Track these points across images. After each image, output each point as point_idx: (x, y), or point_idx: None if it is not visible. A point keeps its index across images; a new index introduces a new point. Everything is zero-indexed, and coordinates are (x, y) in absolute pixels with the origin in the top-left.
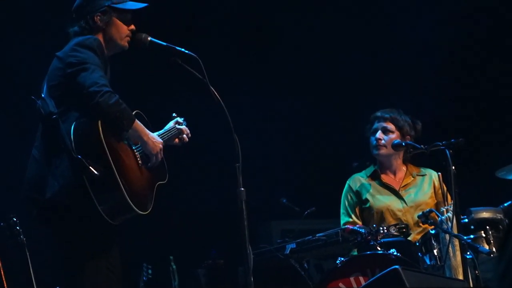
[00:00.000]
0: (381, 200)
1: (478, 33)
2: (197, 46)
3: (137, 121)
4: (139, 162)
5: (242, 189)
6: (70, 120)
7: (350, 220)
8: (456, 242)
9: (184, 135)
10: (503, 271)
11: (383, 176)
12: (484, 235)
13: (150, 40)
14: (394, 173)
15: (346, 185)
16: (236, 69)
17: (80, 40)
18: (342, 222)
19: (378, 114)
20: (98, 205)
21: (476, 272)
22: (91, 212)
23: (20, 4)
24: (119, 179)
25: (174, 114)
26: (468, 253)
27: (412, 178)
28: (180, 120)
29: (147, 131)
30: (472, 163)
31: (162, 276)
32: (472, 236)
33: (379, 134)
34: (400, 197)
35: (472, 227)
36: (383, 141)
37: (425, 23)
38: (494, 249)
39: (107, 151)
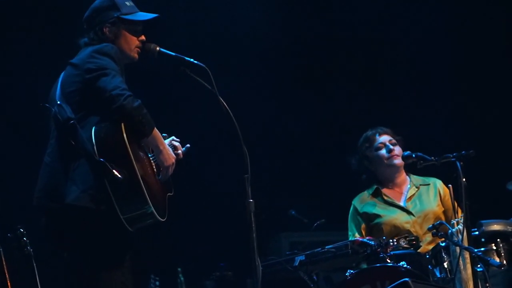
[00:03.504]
0: (388, 214)
1: (488, 42)
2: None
3: (156, 129)
4: (155, 170)
5: (251, 200)
6: (89, 125)
7: None
8: (467, 254)
9: (179, 151)
10: None
11: (386, 192)
12: (495, 247)
13: (159, 50)
14: (399, 186)
15: (352, 207)
16: (247, 79)
17: (98, 47)
18: None
19: (378, 129)
20: (119, 211)
21: (487, 285)
22: (111, 218)
23: (23, 11)
24: (142, 184)
25: (164, 135)
26: (479, 266)
27: (416, 189)
28: (175, 138)
29: (164, 142)
30: (483, 175)
31: None
32: (482, 249)
33: (390, 145)
34: (406, 210)
35: (483, 239)
36: (396, 151)
37: (432, 33)
38: (505, 262)
39: (131, 155)
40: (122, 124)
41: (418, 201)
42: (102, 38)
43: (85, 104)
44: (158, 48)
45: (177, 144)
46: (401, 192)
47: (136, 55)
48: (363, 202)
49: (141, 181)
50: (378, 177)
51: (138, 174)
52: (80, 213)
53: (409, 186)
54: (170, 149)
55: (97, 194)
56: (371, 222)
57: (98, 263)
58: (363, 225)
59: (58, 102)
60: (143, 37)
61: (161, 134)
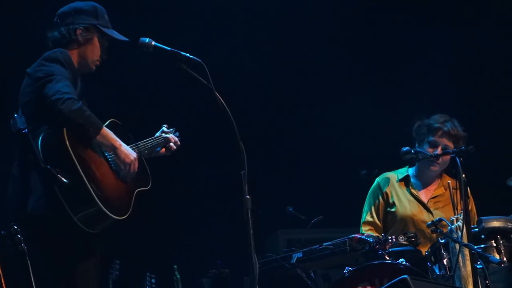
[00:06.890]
0: (408, 208)
1: (491, 43)
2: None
3: (105, 128)
4: (114, 168)
5: (248, 197)
6: (40, 134)
7: (371, 220)
8: (466, 251)
9: (172, 143)
10: None
11: (413, 184)
12: (494, 244)
13: (154, 45)
14: (428, 183)
15: (375, 183)
16: (254, 78)
17: (47, 54)
18: (362, 220)
19: (445, 128)
20: (73, 214)
21: (487, 282)
22: (68, 222)
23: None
24: (89, 186)
25: (165, 125)
26: (479, 262)
27: (444, 191)
28: (166, 129)
29: (118, 140)
30: (482, 171)
31: (166, 286)
32: (482, 246)
33: (439, 151)
34: (427, 209)
35: (482, 236)
36: (441, 159)
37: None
38: (504, 259)
39: (74, 158)
40: (64, 129)
41: (441, 204)
42: (72, 39)
43: (39, 113)
44: (153, 43)
45: (169, 136)
46: (429, 190)
47: (94, 68)
48: (389, 182)
49: (87, 182)
50: (417, 163)
51: (83, 175)
52: (39, 221)
53: (437, 185)
54: (127, 147)
55: (49, 201)
56: (389, 207)
57: (64, 266)
58: (381, 204)
59: (15, 114)
60: (105, 55)
61: (162, 126)
